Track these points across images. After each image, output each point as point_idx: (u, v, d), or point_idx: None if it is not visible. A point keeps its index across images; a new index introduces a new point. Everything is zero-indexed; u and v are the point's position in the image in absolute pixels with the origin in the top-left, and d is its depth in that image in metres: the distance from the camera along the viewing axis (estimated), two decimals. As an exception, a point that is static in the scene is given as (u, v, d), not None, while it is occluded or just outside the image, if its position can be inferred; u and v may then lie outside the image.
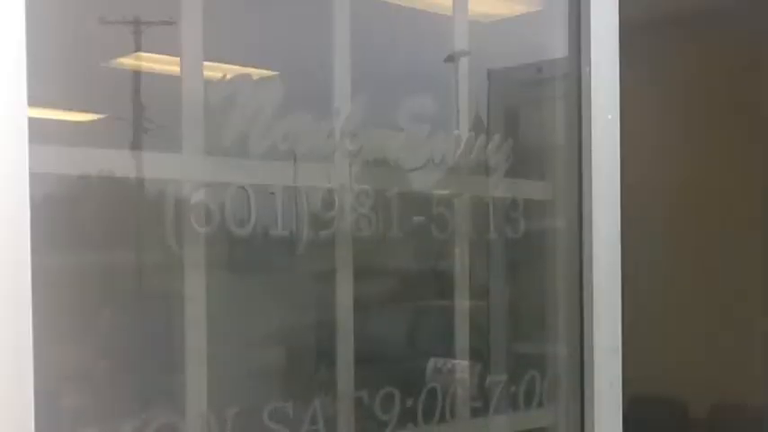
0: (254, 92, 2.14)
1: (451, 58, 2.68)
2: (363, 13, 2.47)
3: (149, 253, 2.15)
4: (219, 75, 2.13)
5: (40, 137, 1.64)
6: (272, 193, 2.19)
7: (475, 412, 2.62)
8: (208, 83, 2.11)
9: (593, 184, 2.53)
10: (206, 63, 2.11)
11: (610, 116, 2.55)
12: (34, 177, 1.58)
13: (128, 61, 2.08)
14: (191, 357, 2.09)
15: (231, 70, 2.14)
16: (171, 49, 2.08)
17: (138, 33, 2.08)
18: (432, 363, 2.64)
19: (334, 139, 2.29)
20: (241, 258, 2.29)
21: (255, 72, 2.19)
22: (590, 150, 2.52)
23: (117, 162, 1.99)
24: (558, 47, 2.66)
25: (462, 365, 2.65)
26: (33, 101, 1.58)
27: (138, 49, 2.08)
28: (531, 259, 2.85)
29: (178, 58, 2.08)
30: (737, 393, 5.57)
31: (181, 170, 2.07)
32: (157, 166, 2.07)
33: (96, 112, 2.08)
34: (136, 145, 2.08)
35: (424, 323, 2.83)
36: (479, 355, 2.73)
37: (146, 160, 2.06)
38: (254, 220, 2.14)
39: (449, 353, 2.66)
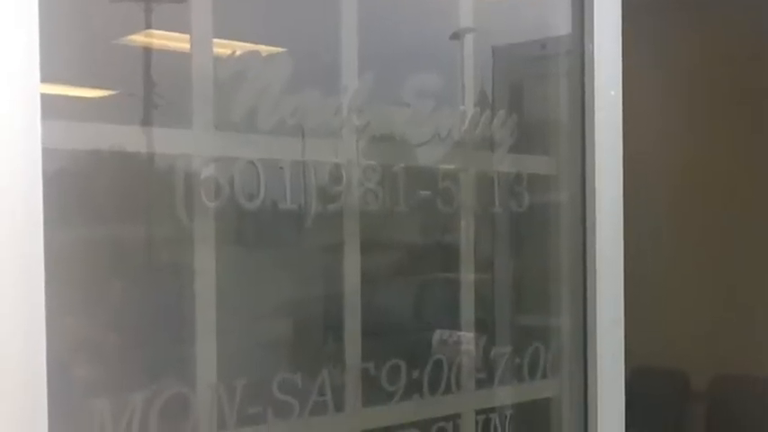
0: (262, 68, 2.15)
1: (457, 36, 2.68)
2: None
3: (160, 227, 2.16)
4: (229, 51, 2.15)
5: (52, 113, 1.65)
6: (281, 168, 2.20)
7: (480, 383, 2.64)
8: (217, 59, 2.12)
9: (597, 158, 2.54)
10: (215, 40, 2.12)
11: (612, 92, 2.57)
12: (47, 152, 1.59)
13: (138, 38, 2.08)
14: (201, 329, 2.10)
15: (240, 47, 2.16)
16: (181, 26, 2.09)
17: (149, 11, 2.09)
18: (437, 335, 2.66)
19: (341, 114, 2.30)
20: (250, 232, 2.31)
21: (264, 49, 2.19)
22: (593, 126, 2.54)
23: (128, 137, 2.00)
24: (561, 24, 2.66)
25: (467, 337, 2.67)
26: (46, 77, 1.59)
27: (148, 26, 2.08)
28: (536, 233, 2.87)
29: (188, 36, 2.08)
30: (739, 365, 5.59)
31: (191, 145, 2.08)
32: (168, 142, 2.08)
33: (108, 89, 2.08)
34: (146, 120, 2.08)
35: (429, 296, 2.84)
36: (484, 327, 2.75)
37: (156, 135, 2.07)
38: (262, 195, 2.15)
39: (454, 325, 2.68)
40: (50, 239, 1.59)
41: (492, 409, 2.67)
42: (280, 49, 2.26)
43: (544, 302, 2.81)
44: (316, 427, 2.29)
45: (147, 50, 2.12)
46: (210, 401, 2.08)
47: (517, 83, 2.94)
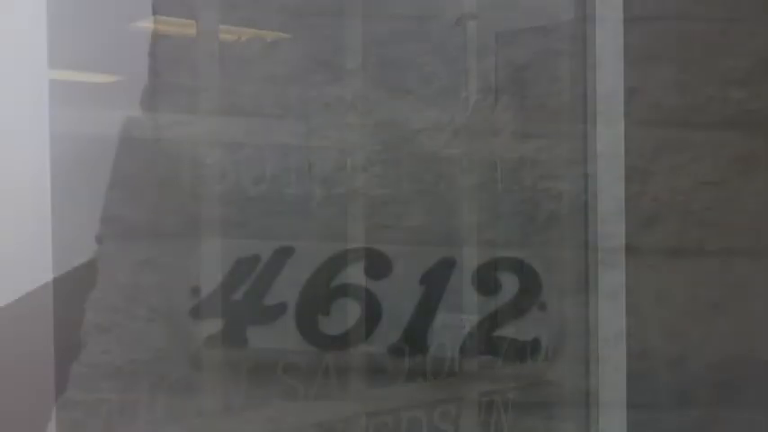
0: (268, 54, 2.16)
1: (460, 21, 2.69)
2: (374, -23, 2.49)
3: (166, 212, 2.17)
4: (235, 38, 2.16)
5: (59, 98, 1.66)
6: (286, 154, 2.21)
7: (483, 366, 2.66)
8: (223, 45, 2.14)
9: (598, 142, 2.56)
10: (222, 26, 2.13)
11: (614, 79, 2.57)
12: (54, 139, 1.60)
13: (145, 24, 2.09)
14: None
15: (246, 33, 2.17)
16: (187, 12, 2.10)
17: (156, -3, 2.11)
18: (441, 318, 2.66)
19: (345, 100, 2.32)
20: (256, 216, 2.32)
21: (269, 35, 2.21)
22: (595, 111, 2.55)
23: (134, 123, 2.02)
24: (564, 9, 2.67)
25: (470, 320, 2.68)
26: (53, 63, 1.60)
27: (156, 12, 2.09)
28: (538, 217, 2.87)
29: (194, 22, 2.10)
30: (741, 348, 5.60)
31: (197, 131, 2.10)
32: (174, 127, 2.09)
33: (115, 74, 2.10)
34: (153, 106, 2.10)
35: (433, 280, 2.85)
36: (487, 310, 2.76)
37: (163, 121, 2.09)
38: (268, 180, 2.17)
39: (457, 308, 2.68)
40: (58, 225, 1.59)
41: (495, 392, 2.68)
42: (285, 35, 2.26)
43: (547, 285, 2.82)
44: (320, 409, 2.30)
45: (154, 36, 2.13)
46: (215, 384, 2.09)
47: (520, 68, 2.94)
